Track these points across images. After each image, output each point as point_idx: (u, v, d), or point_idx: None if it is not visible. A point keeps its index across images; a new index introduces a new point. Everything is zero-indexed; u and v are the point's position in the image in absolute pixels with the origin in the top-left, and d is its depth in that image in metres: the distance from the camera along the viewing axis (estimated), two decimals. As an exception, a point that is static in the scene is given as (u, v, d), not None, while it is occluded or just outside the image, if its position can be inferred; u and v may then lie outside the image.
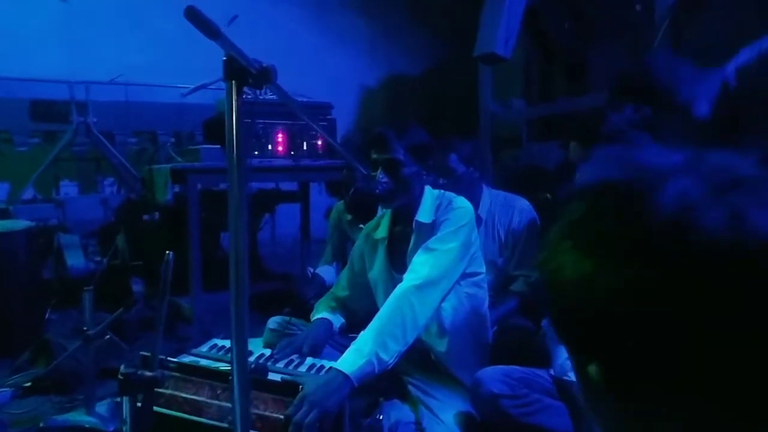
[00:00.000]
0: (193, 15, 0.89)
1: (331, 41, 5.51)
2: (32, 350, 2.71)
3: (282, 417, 1.48)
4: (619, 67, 3.94)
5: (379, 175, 1.88)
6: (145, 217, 4.10)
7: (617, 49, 4.04)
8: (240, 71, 1.04)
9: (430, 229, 1.92)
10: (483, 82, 4.68)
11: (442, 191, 2.00)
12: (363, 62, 5.76)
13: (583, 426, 1.75)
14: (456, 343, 1.96)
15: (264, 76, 1.06)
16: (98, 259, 3.70)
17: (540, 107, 4.54)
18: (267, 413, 1.52)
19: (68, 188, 4.33)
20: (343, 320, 2.12)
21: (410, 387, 1.98)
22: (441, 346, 1.95)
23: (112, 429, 2.00)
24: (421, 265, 1.83)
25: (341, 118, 4.40)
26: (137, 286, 3.54)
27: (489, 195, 2.62)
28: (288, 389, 1.55)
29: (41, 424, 2.10)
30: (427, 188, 1.98)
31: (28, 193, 4.12)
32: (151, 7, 4.80)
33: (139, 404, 1.29)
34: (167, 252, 1.33)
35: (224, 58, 1.03)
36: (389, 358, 1.67)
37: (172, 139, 4.43)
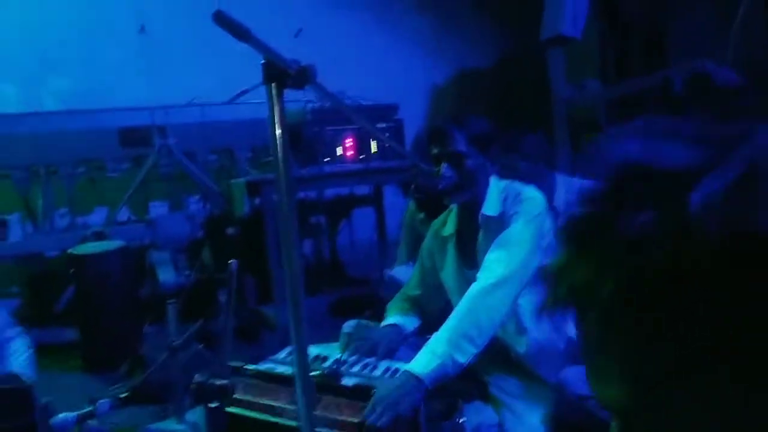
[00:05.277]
0: (222, 19, 0.88)
1: (396, 42, 5.48)
2: (129, 363, 2.87)
3: (356, 421, 1.48)
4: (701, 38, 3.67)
5: (443, 169, 1.83)
6: (229, 230, 4.25)
7: (699, 18, 3.76)
8: (279, 73, 1.03)
9: (499, 222, 1.84)
10: (554, 66, 4.50)
11: (509, 181, 1.92)
12: (430, 60, 5.70)
13: None
14: (536, 341, 1.87)
15: (303, 76, 1.05)
16: (188, 273, 3.86)
17: (617, 87, 4.29)
18: (342, 418, 1.53)
19: (159, 208, 4.57)
20: (417, 321, 2.07)
21: (492, 388, 1.92)
22: (520, 345, 1.88)
23: (200, 436, 2.07)
24: (494, 263, 1.77)
25: (413, 118, 4.37)
26: (224, 297, 3.66)
27: (564, 184, 2.49)
28: (361, 393, 1.56)
29: (137, 433, 2.21)
30: (493, 179, 1.90)
31: (123, 215, 4.38)
32: (219, 28, 4.99)
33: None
34: (230, 262, 1.36)
35: (262, 62, 1.03)
36: (464, 359, 1.64)
37: (249, 154, 4.57)
